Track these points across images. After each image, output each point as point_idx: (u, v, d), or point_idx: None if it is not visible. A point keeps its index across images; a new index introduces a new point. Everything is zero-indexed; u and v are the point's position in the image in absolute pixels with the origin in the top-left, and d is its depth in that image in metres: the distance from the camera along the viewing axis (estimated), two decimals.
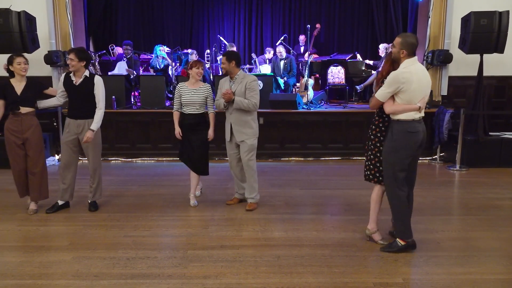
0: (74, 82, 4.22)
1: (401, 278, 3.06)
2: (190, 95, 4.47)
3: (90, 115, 4.23)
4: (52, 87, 5.04)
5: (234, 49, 8.56)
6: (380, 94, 3.32)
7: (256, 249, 3.52)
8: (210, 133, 4.56)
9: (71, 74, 4.25)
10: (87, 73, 4.24)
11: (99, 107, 4.26)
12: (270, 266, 3.23)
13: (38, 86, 4.36)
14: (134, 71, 7.79)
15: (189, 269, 3.17)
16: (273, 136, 6.84)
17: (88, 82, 4.22)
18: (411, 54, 3.28)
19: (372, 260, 3.33)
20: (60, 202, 4.44)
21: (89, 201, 4.50)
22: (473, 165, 6.18)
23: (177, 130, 4.53)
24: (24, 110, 4.22)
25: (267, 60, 8.82)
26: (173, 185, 5.38)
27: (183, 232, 3.88)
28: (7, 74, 4.31)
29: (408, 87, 3.22)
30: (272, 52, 8.92)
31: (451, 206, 4.72)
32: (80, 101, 4.24)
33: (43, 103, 4.41)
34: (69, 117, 4.28)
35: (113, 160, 6.79)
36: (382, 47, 8.37)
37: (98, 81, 4.26)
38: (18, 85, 4.21)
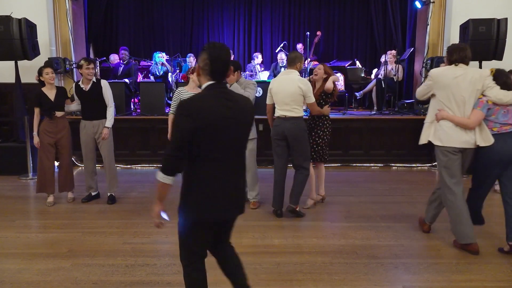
0: (84, 88, 4.71)
1: (401, 285, 3.05)
2: None
3: (103, 115, 4.77)
4: None
5: (232, 55, 8.60)
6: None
7: (256, 256, 3.50)
8: None
9: (80, 83, 4.76)
10: (94, 79, 4.75)
11: (110, 106, 4.79)
12: (269, 273, 3.22)
13: (65, 94, 4.92)
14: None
15: None
16: None
17: (97, 86, 4.73)
18: (289, 66, 4.40)
19: (372, 267, 3.32)
20: (93, 193, 5.03)
21: (108, 195, 4.93)
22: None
23: (170, 135, 4.71)
24: (58, 114, 4.79)
25: (259, 66, 8.81)
26: (172, 192, 5.34)
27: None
28: (36, 81, 4.87)
29: (272, 92, 4.43)
30: (260, 56, 8.93)
31: None
32: (92, 104, 4.75)
33: (70, 107, 4.97)
34: (85, 120, 4.82)
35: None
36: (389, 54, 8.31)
37: (105, 83, 4.81)
38: (50, 93, 4.76)
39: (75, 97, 4.85)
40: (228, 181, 2.21)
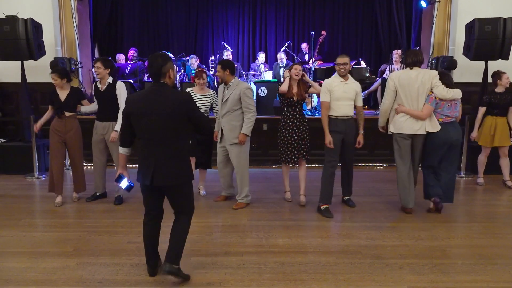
0: (100, 88, 4.80)
1: (406, 286, 3.04)
2: (197, 100, 4.81)
3: (114, 117, 4.73)
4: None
5: (230, 53, 8.57)
6: None
7: (260, 256, 3.51)
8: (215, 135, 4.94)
9: (98, 82, 4.84)
10: (110, 79, 4.77)
11: (121, 109, 4.68)
12: (274, 273, 3.22)
13: (78, 95, 4.96)
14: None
15: (193, 276, 3.16)
16: (277, 143, 6.83)
17: (111, 87, 4.75)
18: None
19: (377, 267, 3.31)
20: (99, 193, 5.07)
21: (115, 196, 4.95)
22: (478, 172, 6.14)
23: None
24: (67, 114, 4.82)
25: (262, 65, 8.79)
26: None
27: (187, 239, 3.86)
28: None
29: None
30: (263, 55, 8.91)
31: (456, 213, 4.69)
32: (105, 105, 4.79)
33: (84, 109, 4.98)
34: (97, 120, 4.87)
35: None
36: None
37: (120, 85, 4.78)
38: (62, 93, 4.82)
39: (94, 97, 4.93)
40: (149, 156, 2.92)
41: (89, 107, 4.98)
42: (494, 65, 6.42)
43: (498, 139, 5.54)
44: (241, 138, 4.59)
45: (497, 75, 5.54)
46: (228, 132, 4.63)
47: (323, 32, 8.91)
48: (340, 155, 4.63)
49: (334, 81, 4.59)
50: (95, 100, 4.93)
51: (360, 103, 4.68)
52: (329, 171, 4.58)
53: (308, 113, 7.09)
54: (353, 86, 4.62)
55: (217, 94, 4.94)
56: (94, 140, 4.88)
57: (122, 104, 4.70)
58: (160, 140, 2.89)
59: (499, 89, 5.50)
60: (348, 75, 4.71)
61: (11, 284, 3.05)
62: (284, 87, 4.66)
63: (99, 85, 4.81)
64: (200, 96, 4.92)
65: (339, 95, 4.49)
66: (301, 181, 4.91)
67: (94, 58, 8.19)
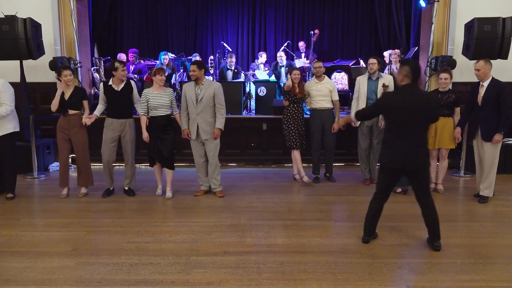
0: (116, 88, 4.99)
1: (405, 285, 3.04)
2: (157, 98, 4.94)
3: (129, 114, 5.08)
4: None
5: (234, 58, 8.50)
6: None
7: (260, 256, 3.51)
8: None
9: (110, 83, 5.01)
10: (125, 80, 5.08)
11: (139, 103, 5.05)
12: (273, 272, 3.22)
13: (82, 94, 5.11)
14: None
15: (192, 275, 3.16)
16: (277, 142, 6.84)
17: (127, 86, 5.03)
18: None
19: (376, 267, 3.31)
20: (111, 188, 5.28)
21: (126, 188, 5.27)
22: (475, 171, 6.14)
23: (145, 135, 4.97)
24: (71, 112, 4.98)
25: (262, 65, 8.77)
26: (176, 190, 5.38)
27: (186, 238, 3.88)
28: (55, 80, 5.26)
29: None
30: (264, 55, 8.89)
31: (455, 213, 4.70)
32: (121, 103, 5.03)
33: (98, 111, 5.11)
34: (112, 118, 5.05)
35: (117, 165, 6.78)
36: (386, 54, 8.35)
37: (134, 83, 5.16)
38: (66, 92, 4.98)
39: (103, 97, 5.03)
40: (402, 144, 3.48)
41: (99, 109, 5.11)
42: (494, 64, 6.41)
43: (437, 141, 5.29)
44: (217, 133, 4.99)
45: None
46: (205, 128, 4.97)
47: (316, 31, 8.86)
48: (322, 141, 5.76)
49: (311, 82, 5.80)
50: (103, 100, 5.04)
51: (334, 97, 5.70)
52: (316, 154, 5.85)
53: (308, 112, 7.09)
54: (326, 85, 5.66)
55: (179, 92, 5.12)
56: (109, 137, 5.02)
57: (137, 99, 5.08)
58: (413, 131, 3.45)
59: (442, 88, 5.32)
60: (325, 76, 5.77)
61: (10, 284, 3.05)
62: (288, 83, 5.50)
63: (113, 86, 4.98)
64: (159, 94, 4.94)
65: (314, 93, 5.66)
66: (299, 164, 5.63)
67: (94, 58, 8.18)
